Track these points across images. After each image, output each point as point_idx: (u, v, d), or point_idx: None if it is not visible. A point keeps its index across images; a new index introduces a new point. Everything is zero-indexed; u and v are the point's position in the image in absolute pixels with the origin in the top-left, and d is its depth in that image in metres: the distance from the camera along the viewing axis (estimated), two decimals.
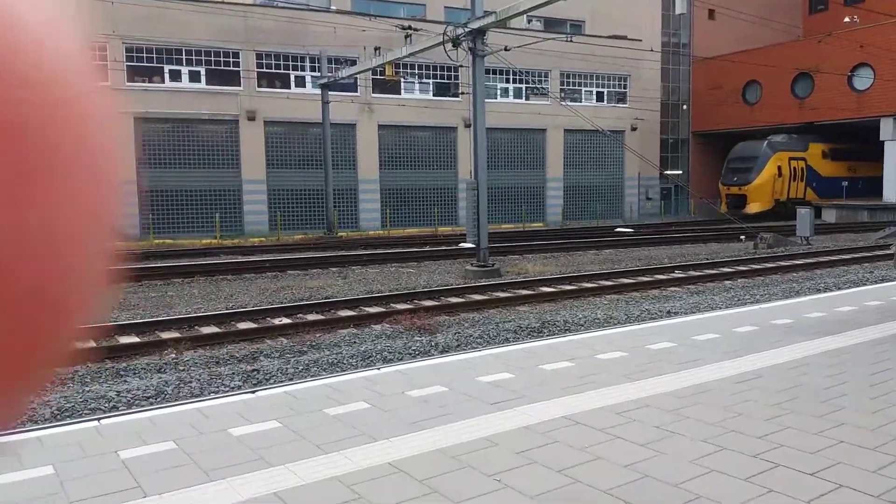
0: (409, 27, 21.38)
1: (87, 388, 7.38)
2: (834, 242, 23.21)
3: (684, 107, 43.82)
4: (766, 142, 36.15)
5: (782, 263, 17.41)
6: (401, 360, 8.34)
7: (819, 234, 24.80)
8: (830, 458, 3.98)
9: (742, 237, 23.79)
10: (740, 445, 4.21)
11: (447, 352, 8.67)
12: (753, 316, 8.37)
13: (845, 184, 37.59)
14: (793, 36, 40.52)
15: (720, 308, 11.18)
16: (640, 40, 35.50)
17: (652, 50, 33.12)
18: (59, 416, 6.41)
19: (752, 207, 34.88)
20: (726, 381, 5.57)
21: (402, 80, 31.67)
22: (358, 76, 27.82)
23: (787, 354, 6.41)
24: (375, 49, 25.12)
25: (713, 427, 4.53)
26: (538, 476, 3.82)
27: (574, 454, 4.12)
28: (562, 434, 4.45)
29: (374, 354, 8.66)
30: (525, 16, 26.26)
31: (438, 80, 33.31)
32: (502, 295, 13.07)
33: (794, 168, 36.62)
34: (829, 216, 33.84)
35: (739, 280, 15.34)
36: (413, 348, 8.95)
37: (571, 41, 24.95)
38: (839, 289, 12.63)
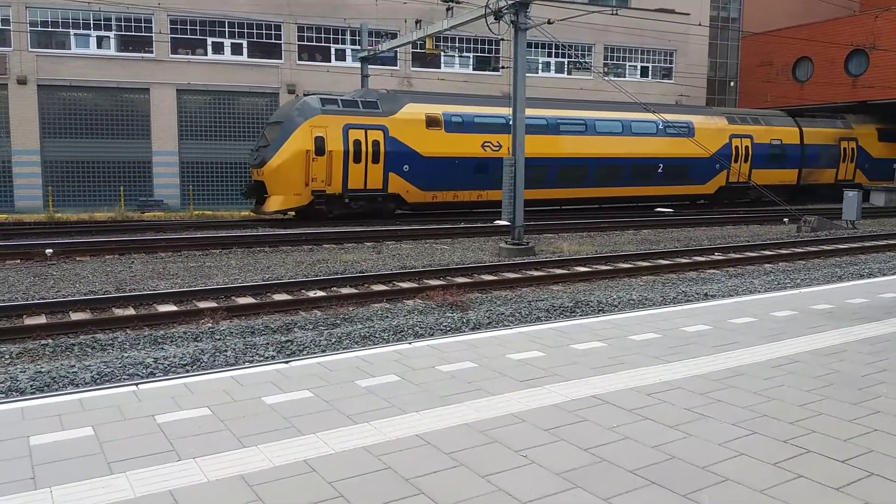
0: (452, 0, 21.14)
1: (126, 354, 7.60)
2: (881, 227, 22.54)
3: (732, 83, 42.73)
4: (301, 101, 22.72)
5: (825, 248, 17.01)
6: (432, 335, 8.41)
7: (866, 219, 24.12)
8: (863, 447, 3.91)
9: (785, 220, 23.27)
10: (771, 430, 4.15)
11: (478, 328, 8.71)
12: (793, 300, 8.21)
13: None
14: (848, 11, 39.02)
15: (759, 292, 10.99)
16: (689, 14, 34.63)
17: (700, 24, 32.25)
18: (98, 380, 6.63)
19: (272, 203, 21.48)
20: (761, 366, 5.48)
21: (443, 53, 31.45)
22: (398, 50, 27.71)
23: (825, 340, 6.28)
24: (416, 22, 24.92)
25: (744, 411, 4.48)
26: (565, 453, 3.83)
27: (602, 433, 4.12)
28: (590, 413, 4.44)
29: (405, 329, 8.74)
30: None
31: (479, 54, 33.02)
32: (536, 274, 13.03)
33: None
34: (878, 200, 32.81)
35: (780, 264, 15.04)
36: (444, 324, 9.00)
37: (616, 14, 24.44)
38: (884, 275, 12.30)
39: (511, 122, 16.69)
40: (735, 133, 29.76)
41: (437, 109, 23.64)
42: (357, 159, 21.94)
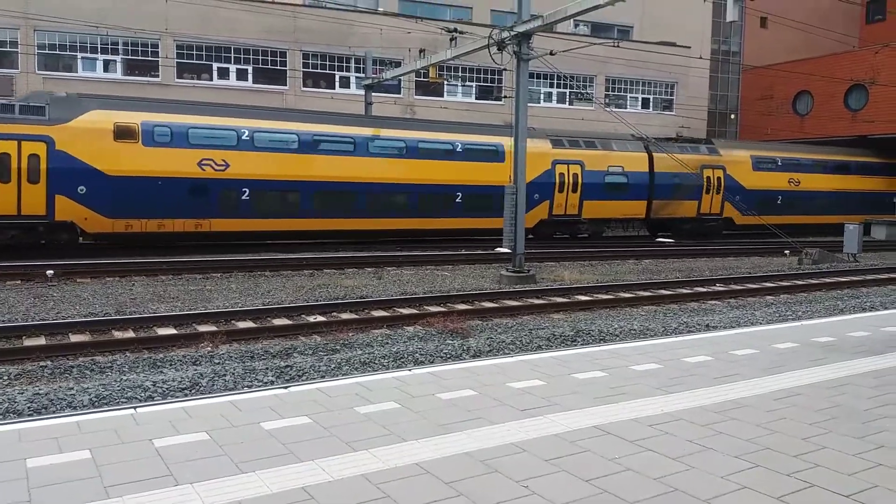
0: (455, 30, 21.41)
1: (125, 377, 7.57)
2: (883, 260, 22.55)
3: (732, 116, 43.04)
4: None
5: (827, 280, 17.00)
6: (432, 362, 8.37)
7: (867, 252, 24.14)
8: (867, 482, 3.87)
9: (787, 252, 23.28)
10: (774, 463, 4.12)
11: (479, 356, 8.67)
12: (794, 332, 8.19)
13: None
14: (848, 46, 39.47)
15: (760, 323, 10.97)
16: (689, 47, 34.98)
17: (701, 57, 32.63)
18: (96, 403, 6.59)
19: None
20: (763, 398, 5.45)
21: (446, 82, 31.75)
22: (401, 78, 27.97)
23: (827, 373, 6.26)
24: (420, 51, 25.21)
25: (747, 443, 4.44)
26: (566, 484, 3.79)
27: (603, 464, 4.08)
28: (592, 444, 4.41)
29: (405, 355, 8.71)
30: (572, 20, 26.10)
31: (481, 84, 33.32)
32: (536, 302, 13.01)
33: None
34: (879, 233, 32.86)
35: (782, 295, 15.02)
36: (445, 351, 8.97)
37: (618, 46, 24.74)
38: (886, 308, 12.28)
39: (514, 154, 16.72)
40: (560, 158, 25.20)
41: (134, 118, 18.96)
42: (5, 178, 17.55)
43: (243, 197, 20.07)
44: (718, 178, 28.93)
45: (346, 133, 21.88)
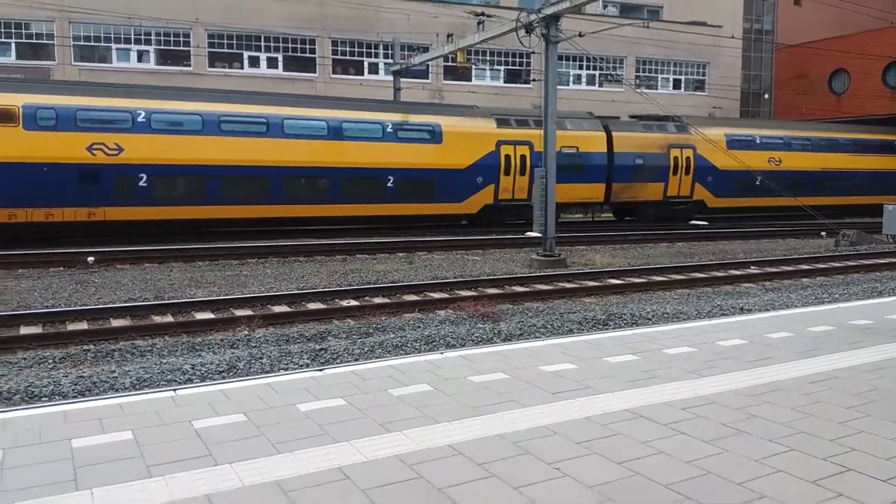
0: (482, 13, 21.29)
1: (164, 361, 7.75)
2: None
3: (766, 96, 42.17)
4: None
5: (864, 262, 16.66)
6: (464, 345, 8.42)
7: None
8: None
9: (823, 233, 22.84)
10: (810, 447, 4.08)
11: (510, 340, 8.70)
12: (831, 315, 8.05)
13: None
14: (885, 22, 38.32)
15: (796, 306, 10.81)
16: (721, 26, 34.31)
17: (733, 37, 31.95)
18: (137, 386, 6.77)
19: None
20: (798, 381, 5.39)
21: (474, 66, 31.60)
22: (429, 63, 27.91)
23: (864, 356, 6.16)
24: (448, 36, 25.14)
25: (782, 427, 4.41)
26: (598, 467, 3.81)
27: (635, 447, 4.08)
28: (623, 427, 4.41)
29: (437, 339, 8.77)
30: (600, 1, 25.74)
31: (510, 67, 33.11)
32: (567, 285, 12.98)
33: None
34: None
35: (818, 278, 14.77)
36: (476, 335, 9.01)
37: (648, 27, 24.34)
38: None
39: (544, 137, 16.61)
40: (506, 139, 23.20)
41: (14, 100, 17.46)
42: None
43: (140, 183, 18.59)
44: (687, 158, 26.81)
45: (258, 113, 20.16)
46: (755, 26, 41.81)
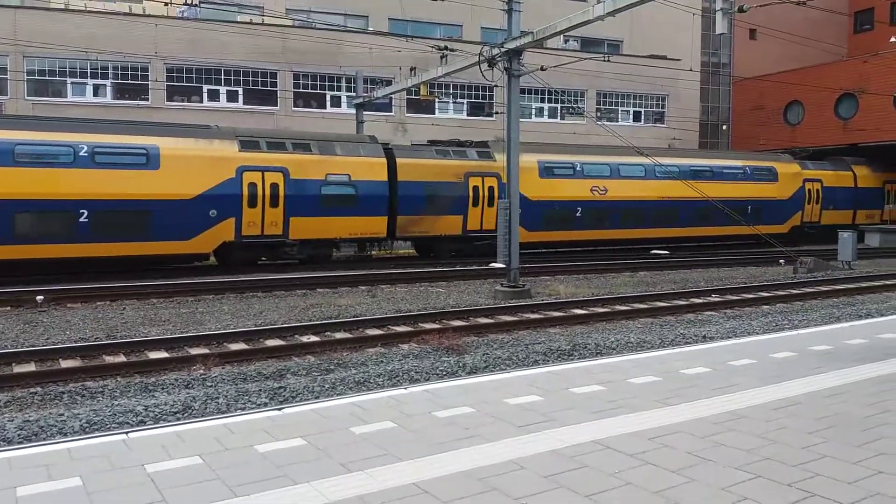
0: (445, 47, 21.53)
1: (116, 402, 7.48)
2: (877, 268, 22.60)
3: (724, 127, 43.32)
4: None
5: (822, 288, 17.01)
6: (428, 380, 8.30)
7: (861, 259, 24.20)
8: (868, 490, 3.82)
9: (782, 261, 23.32)
10: (775, 474, 4.07)
11: (475, 373, 8.61)
12: (791, 342, 8.16)
13: None
14: (837, 56, 39.86)
15: (757, 333, 10.94)
16: (679, 59, 35.26)
17: (691, 70, 32.83)
18: (87, 429, 6.50)
19: None
20: (762, 408, 5.41)
21: (437, 99, 31.89)
22: (393, 96, 28.09)
23: (825, 382, 6.22)
24: (411, 69, 25.35)
25: (747, 454, 4.39)
26: (565, 501, 3.74)
27: (603, 479, 4.03)
28: (590, 458, 4.35)
29: (401, 374, 8.64)
30: (562, 36, 26.26)
31: (473, 101, 33.48)
32: (532, 316, 12.96)
33: None
34: (873, 240, 32.99)
35: (778, 305, 15.01)
36: (440, 368, 8.90)
37: (609, 61, 24.87)
38: (882, 315, 12.27)
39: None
40: (251, 164, 19.84)
41: None
42: None
43: None
44: (491, 188, 23.49)
45: None
46: (713, 59, 43.08)
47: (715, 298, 15.33)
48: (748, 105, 41.11)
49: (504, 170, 21.40)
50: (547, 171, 25.17)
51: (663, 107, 37.89)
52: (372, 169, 21.81)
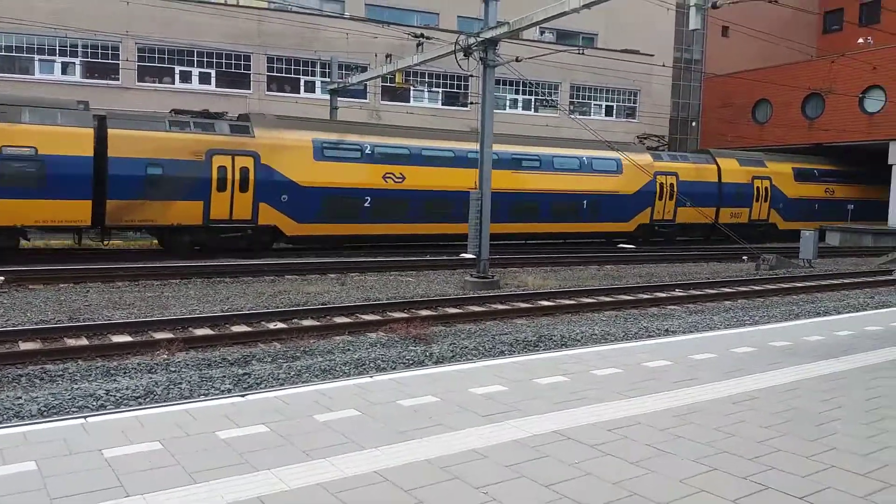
0: (422, 35, 21.42)
1: (76, 386, 7.36)
2: (837, 266, 23.11)
3: (693, 123, 43.84)
4: None
5: (783, 285, 17.34)
6: (394, 368, 8.31)
7: (822, 258, 24.71)
8: (821, 483, 3.93)
9: (745, 258, 23.72)
10: (731, 466, 4.16)
11: (441, 362, 8.63)
12: (752, 337, 8.31)
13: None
14: (807, 56, 40.50)
15: (719, 328, 11.12)
16: (653, 55, 35.53)
17: (664, 65, 33.14)
18: (45, 413, 6.39)
19: None
20: (721, 402, 5.51)
21: (412, 87, 31.75)
22: (367, 83, 27.89)
23: (783, 377, 6.36)
24: (387, 56, 25.17)
25: (705, 447, 4.48)
26: (526, 490, 3.78)
27: (563, 469, 4.07)
28: (552, 449, 4.40)
29: (367, 362, 8.63)
30: (537, 27, 26.28)
31: (448, 90, 33.40)
32: (500, 307, 13.03)
33: None
34: (833, 239, 33.71)
35: (739, 301, 15.28)
36: (407, 357, 8.91)
37: (583, 54, 24.97)
38: (839, 313, 12.56)
39: (470, 156, 16.73)
40: None
41: None
42: None
43: None
44: (244, 170, 20.02)
45: None
46: (685, 55, 43.52)
47: (678, 293, 15.55)
48: (718, 102, 41.62)
49: (267, 148, 20.23)
50: (324, 152, 21.59)
51: (635, 102, 38.20)
52: (70, 141, 17.82)
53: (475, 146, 19.23)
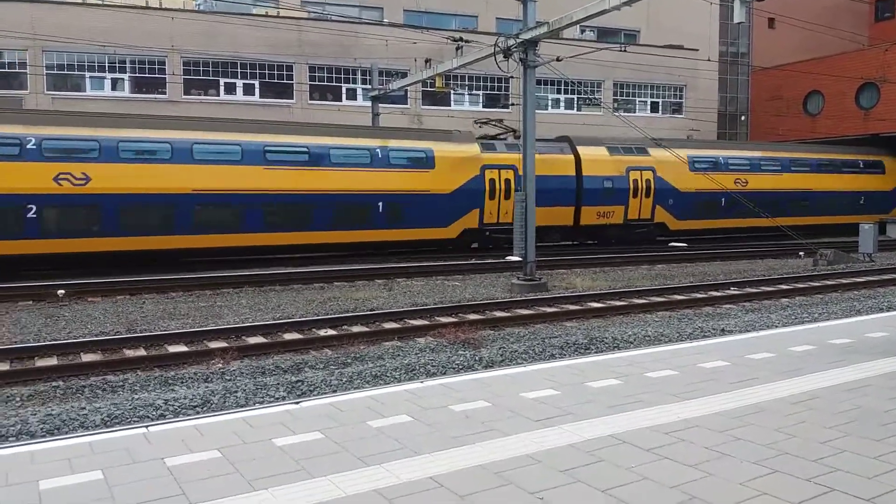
0: (461, 39, 21.44)
1: (136, 396, 7.56)
2: None
3: (742, 118, 42.86)
4: None
5: (843, 281, 16.82)
6: (444, 373, 8.32)
7: (883, 251, 23.87)
8: (889, 484, 3.79)
9: (801, 253, 23.07)
10: (794, 468, 4.04)
11: (491, 366, 8.61)
12: (811, 335, 8.07)
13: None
14: (857, 45, 39.19)
15: (776, 326, 10.84)
16: (697, 49, 34.88)
17: (709, 59, 32.43)
18: (108, 423, 6.58)
19: None
20: (781, 402, 5.36)
21: (452, 91, 31.79)
22: (408, 88, 28.01)
23: (845, 375, 6.15)
24: (426, 61, 25.26)
25: (766, 449, 4.36)
26: (582, 495, 3.73)
27: (620, 474, 4.01)
28: (607, 453, 4.34)
29: (417, 367, 8.66)
30: (578, 26, 26.05)
31: (488, 92, 33.35)
32: (549, 310, 12.93)
33: None
34: (894, 232, 32.53)
35: (797, 297, 14.86)
36: (457, 362, 8.91)
37: (626, 51, 24.65)
38: None
39: (523, 161, 16.67)
40: None
41: None
42: None
43: None
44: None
45: None
46: (731, 49, 42.59)
47: (734, 291, 15.21)
48: (767, 95, 40.60)
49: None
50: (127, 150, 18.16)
51: (681, 97, 37.52)
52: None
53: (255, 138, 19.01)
